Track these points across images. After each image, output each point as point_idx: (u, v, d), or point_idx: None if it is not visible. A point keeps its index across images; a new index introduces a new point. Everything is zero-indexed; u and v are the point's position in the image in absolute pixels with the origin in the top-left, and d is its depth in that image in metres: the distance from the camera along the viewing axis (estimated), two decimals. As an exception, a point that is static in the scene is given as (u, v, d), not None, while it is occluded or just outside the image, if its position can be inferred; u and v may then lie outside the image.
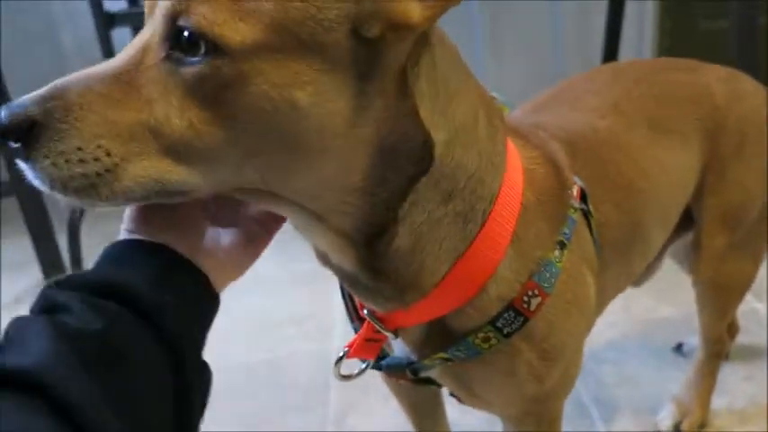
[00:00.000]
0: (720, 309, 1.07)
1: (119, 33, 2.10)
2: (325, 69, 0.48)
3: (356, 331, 0.73)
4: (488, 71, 2.80)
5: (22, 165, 0.49)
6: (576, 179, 0.71)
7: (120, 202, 0.49)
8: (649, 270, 1.03)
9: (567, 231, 0.67)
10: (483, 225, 0.60)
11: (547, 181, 0.67)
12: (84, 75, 0.49)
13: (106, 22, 1.98)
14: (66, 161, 0.47)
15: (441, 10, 0.50)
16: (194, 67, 0.47)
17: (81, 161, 0.47)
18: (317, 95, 0.48)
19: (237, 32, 0.46)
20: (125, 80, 0.49)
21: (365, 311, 0.66)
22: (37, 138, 0.47)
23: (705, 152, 0.89)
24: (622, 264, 0.80)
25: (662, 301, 1.49)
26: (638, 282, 1.05)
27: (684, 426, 1.12)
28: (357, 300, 0.69)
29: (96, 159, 0.47)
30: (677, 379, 1.22)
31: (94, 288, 0.50)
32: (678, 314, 1.46)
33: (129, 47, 0.51)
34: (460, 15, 2.76)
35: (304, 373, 1.37)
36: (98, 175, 0.48)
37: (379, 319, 0.65)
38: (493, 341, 0.64)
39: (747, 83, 0.95)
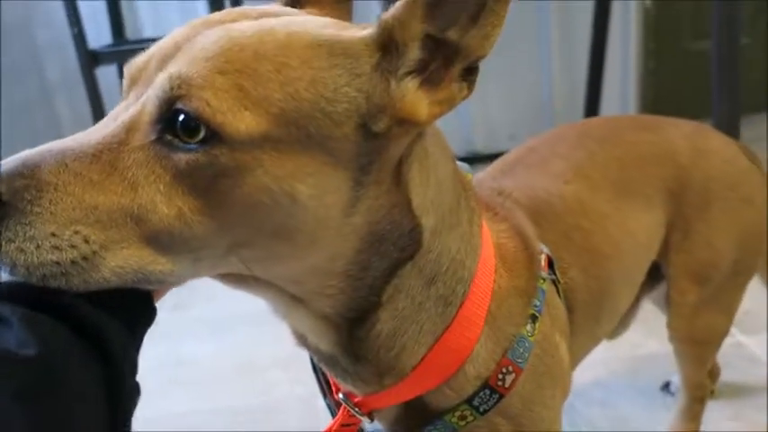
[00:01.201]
0: (697, 360, 1.08)
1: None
2: (328, 162, 0.48)
3: (329, 408, 0.74)
4: (473, 101, 2.81)
5: None
6: (542, 247, 0.71)
7: (90, 289, 0.45)
8: (624, 323, 1.04)
9: (537, 303, 0.68)
10: (461, 306, 0.61)
11: (516, 254, 0.68)
12: (57, 149, 0.45)
13: (90, 60, 1.99)
14: (37, 247, 0.43)
15: (448, 108, 0.51)
16: (189, 154, 0.44)
17: (54, 248, 0.43)
18: (317, 188, 0.47)
19: (242, 122, 0.44)
20: (106, 160, 0.45)
21: (340, 395, 0.66)
22: (1, 219, 0.43)
23: (669, 211, 0.90)
24: (592, 326, 0.82)
25: (649, 338, 1.50)
26: (614, 335, 1.06)
27: (672, 471, 1.12)
28: (332, 381, 0.69)
29: (72, 246, 0.44)
30: (666, 420, 1.22)
31: (33, 301, 0.45)
32: (665, 350, 1.43)
33: (109, 119, 0.48)
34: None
35: (290, 420, 1.37)
36: (73, 263, 0.44)
37: (355, 404, 0.65)
38: (469, 419, 0.64)
39: (714, 139, 0.96)
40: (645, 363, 1.44)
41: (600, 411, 1.33)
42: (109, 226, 0.45)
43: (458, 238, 0.59)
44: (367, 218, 0.52)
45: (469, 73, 0.51)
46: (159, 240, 0.45)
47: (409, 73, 0.50)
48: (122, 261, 0.45)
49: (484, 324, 0.63)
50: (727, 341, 1.47)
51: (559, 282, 0.74)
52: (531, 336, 0.66)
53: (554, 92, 2.85)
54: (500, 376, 0.64)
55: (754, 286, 1.23)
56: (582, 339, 0.80)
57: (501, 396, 0.64)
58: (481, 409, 0.64)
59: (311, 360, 0.75)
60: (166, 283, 0.48)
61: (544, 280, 0.70)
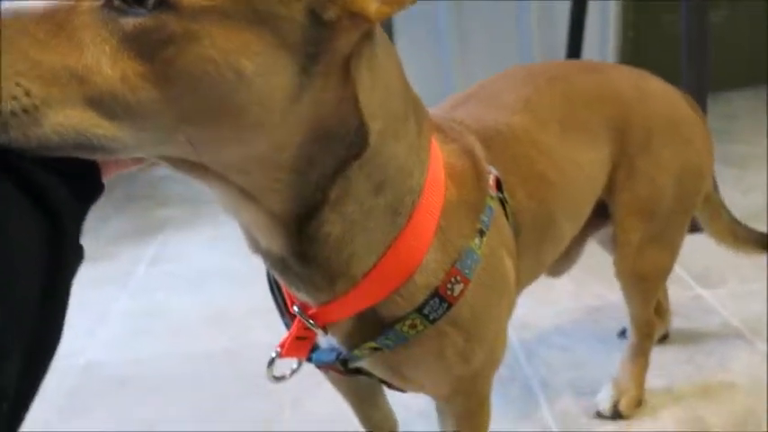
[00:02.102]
0: (644, 297, 1.12)
1: None
2: (275, 43, 0.48)
3: (287, 326, 0.75)
4: (454, 62, 2.85)
5: None
6: (491, 169, 0.75)
7: (32, 149, 0.45)
8: (568, 261, 1.09)
9: (485, 219, 0.71)
10: (410, 217, 0.63)
11: (465, 172, 0.71)
12: (11, 8, 0.45)
13: None
14: None
15: (397, 8, 0.52)
16: (137, 18, 0.45)
17: None
18: (263, 67, 0.48)
19: None
20: (55, 20, 0.45)
21: (295, 308, 0.68)
22: None
23: (614, 149, 0.94)
24: (536, 250, 0.85)
25: (610, 290, 1.54)
26: (557, 272, 1.11)
27: (622, 404, 1.17)
28: (287, 295, 0.71)
29: (13, 98, 0.43)
30: (621, 362, 1.27)
31: None
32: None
33: None
34: (428, 7, 2.79)
35: (263, 363, 1.40)
36: (13, 114, 0.43)
37: (310, 316, 0.67)
38: (419, 327, 0.67)
39: (654, 82, 1.01)
40: (605, 312, 1.49)
41: (560, 355, 1.37)
42: (52, 83, 0.44)
43: (406, 148, 0.62)
44: (313, 109, 0.53)
45: None
46: (103, 104, 0.46)
47: None
48: (64, 119, 0.45)
49: (433, 236, 0.66)
50: (686, 293, 1.54)
51: (507, 202, 0.77)
52: (479, 249, 0.69)
53: (533, 58, 2.88)
54: (449, 286, 0.67)
55: (715, 245, 1.28)
56: (527, 262, 0.83)
57: (450, 305, 0.67)
58: (431, 318, 0.67)
59: (268, 278, 0.78)
60: (111, 152, 0.48)
61: (492, 198, 0.73)
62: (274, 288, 0.77)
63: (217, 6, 0.46)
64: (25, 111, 0.44)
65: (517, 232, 0.80)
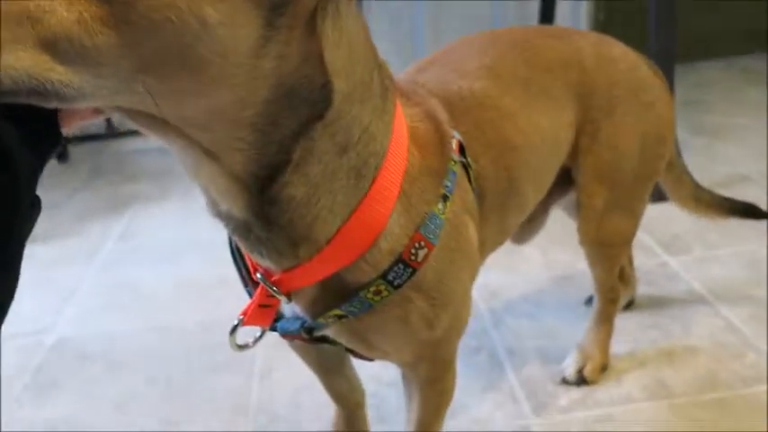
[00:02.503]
0: (607, 262, 1.13)
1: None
2: None
3: (251, 296, 0.73)
4: (426, 27, 2.83)
5: None
6: (454, 133, 0.74)
7: None
8: (533, 228, 1.10)
9: (448, 184, 0.70)
10: (374, 180, 0.63)
11: (428, 136, 0.71)
12: None
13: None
14: None
15: None
16: None
17: None
18: (227, 16, 0.46)
19: None
20: None
21: (258, 275, 0.67)
22: None
23: (577, 114, 0.95)
24: (500, 216, 0.85)
25: (577, 259, 1.56)
26: (523, 239, 1.12)
27: (587, 371, 1.19)
28: (250, 262, 0.70)
29: None
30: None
31: None
32: (593, 269, 1.53)
33: None
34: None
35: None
36: None
37: (273, 283, 0.66)
38: (384, 293, 0.67)
39: (616, 47, 1.01)
40: (573, 281, 1.51)
41: (528, 324, 1.39)
42: (4, 23, 0.42)
43: (370, 111, 0.61)
44: (277, 64, 0.52)
45: None
46: (57, 48, 0.43)
47: None
48: (15, 62, 0.43)
49: (397, 200, 0.65)
50: (653, 261, 1.56)
51: (470, 167, 0.77)
52: (443, 214, 0.69)
53: (506, 25, 2.88)
54: (413, 251, 0.66)
55: (684, 213, 1.30)
56: (491, 228, 0.84)
57: (414, 270, 0.67)
58: (395, 284, 0.66)
59: (230, 246, 0.77)
60: (65, 99, 0.45)
61: (455, 162, 0.72)
62: (237, 256, 0.76)
63: None
64: None
65: (481, 197, 0.80)
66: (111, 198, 2.29)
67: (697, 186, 1.27)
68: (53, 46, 0.43)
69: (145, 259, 1.83)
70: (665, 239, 1.65)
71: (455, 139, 0.74)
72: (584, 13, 2.89)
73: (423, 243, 0.67)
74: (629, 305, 1.39)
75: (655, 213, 1.71)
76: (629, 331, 1.33)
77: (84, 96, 0.46)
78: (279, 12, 0.49)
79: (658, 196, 1.75)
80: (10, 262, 0.45)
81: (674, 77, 1.77)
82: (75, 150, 2.74)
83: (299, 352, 0.96)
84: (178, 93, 0.49)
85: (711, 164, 2.05)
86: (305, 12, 0.52)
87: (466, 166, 0.76)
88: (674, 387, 1.17)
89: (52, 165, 2.51)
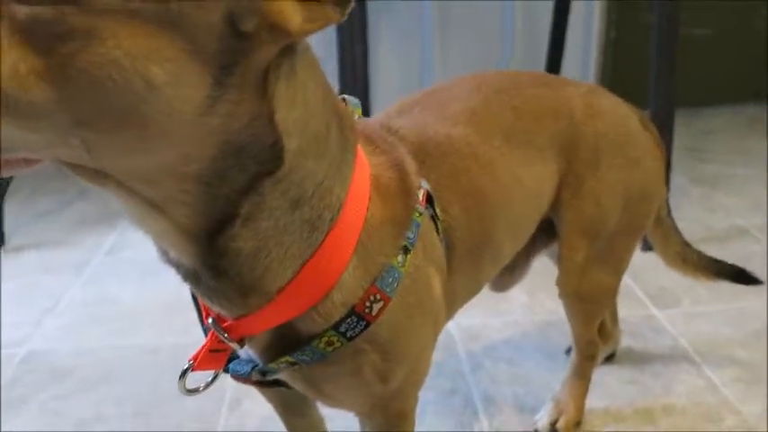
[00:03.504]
0: (586, 318, 1.11)
1: None
2: (188, 50, 0.45)
3: (205, 333, 0.72)
4: (435, 59, 2.83)
5: None
6: (423, 183, 0.73)
7: None
8: (513, 277, 1.08)
9: (410, 236, 0.68)
10: (328, 232, 0.61)
11: (392, 186, 0.69)
12: None
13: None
14: None
15: (322, 26, 0.50)
16: (32, 7, 0.40)
17: None
18: (174, 76, 0.44)
19: None
20: None
21: (209, 320, 0.65)
22: None
23: (562, 166, 0.93)
24: (473, 269, 0.83)
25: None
26: (502, 288, 1.10)
27: (560, 424, 1.16)
28: (203, 307, 0.69)
29: None
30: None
31: None
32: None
33: None
34: (409, 14, 2.78)
35: (208, 359, 1.39)
36: None
37: (224, 329, 0.65)
38: (336, 344, 0.65)
39: (606, 99, 0.99)
40: (556, 327, 1.48)
41: (506, 369, 1.36)
42: None
43: (325, 165, 0.59)
44: (226, 122, 0.50)
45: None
46: None
47: None
48: None
49: (353, 252, 0.64)
50: (640, 313, 1.54)
51: (438, 218, 0.75)
52: (402, 266, 0.67)
53: (514, 54, 2.88)
54: (367, 304, 0.65)
55: None
56: (463, 280, 0.82)
57: (368, 323, 0.65)
58: (348, 335, 0.65)
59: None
60: None
61: (420, 214, 0.70)
62: (195, 296, 0.74)
63: (125, 4, 0.42)
64: None
65: (451, 248, 0.78)
66: (104, 210, 2.28)
67: (685, 245, 1.24)
68: None
69: (130, 274, 1.82)
70: (653, 291, 1.63)
71: (422, 189, 0.72)
72: (595, 31, 2.89)
73: (378, 296, 0.65)
74: (610, 358, 1.37)
75: (644, 263, 1.69)
76: (606, 386, 1.30)
77: (14, 149, 0.44)
78: (228, 71, 0.48)
79: (648, 245, 1.73)
80: None
81: (673, 123, 1.76)
82: (76, 158, 2.75)
83: (260, 391, 0.94)
84: (118, 148, 0.47)
85: (709, 215, 2.02)
86: (256, 72, 0.50)
87: (434, 218, 0.74)
88: (648, 447, 1.15)
89: (51, 172, 2.51)
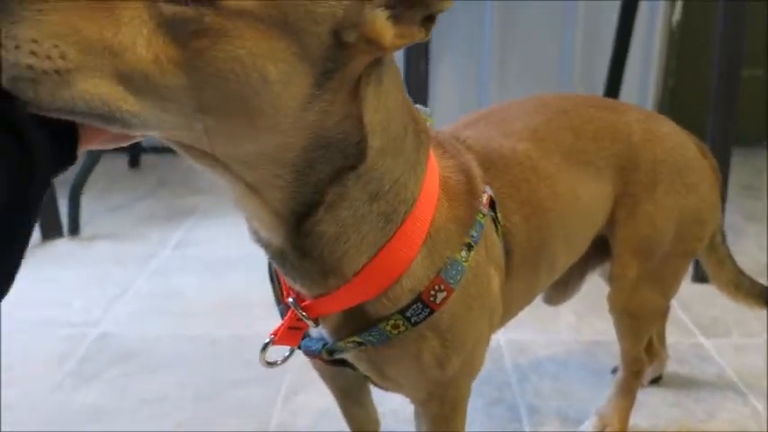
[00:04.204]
0: (634, 334, 1.14)
1: None
2: (299, 54, 0.52)
3: (281, 313, 0.80)
4: (493, 81, 2.89)
5: None
6: (486, 189, 0.79)
7: (56, 110, 0.47)
8: (567, 291, 1.12)
9: (474, 234, 0.75)
10: (401, 224, 0.68)
11: (459, 188, 0.76)
12: None
13: None
14: (16, 47, 0.44)
15: (408, 42, 0.58)
16: (177, 6, 0.48)
17: (32, 53, 0.45)
18: (285, 75, 0.52)
19: None
20: None
21: (290, 299, 0.72)
22: None
23: (618, 187, 0.97)
24: (528, 276, 0.88)
25: (611, 327, 1.56)
26: (555, 301, 1.14)
27: (603, 438, 1.19)
28: (284, 286, 0.75)
29: (49, 57, 0.45)
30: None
31: None
32: (625, 339, 1.53)
33: None
34: (470, 36, 2.84)
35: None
36: (45, 73, 0.45)
37: (303, 308, 0.72)
38: (401, 328, 0.71)
39: (666, 125, 1.03)
40: (603, 348, 1.51)
41: (551, 384, 1.40)
42: (87, 51, 0.46)
43: (402, 164, 0.67)
44: (320, 118, 0.58)
45: (429, 21, 0.59)
46: (132, 81, 0.48)
47: (381, 5, 0.57)
48: (93, 88, 0.47)
49: (422, 244, 0.70)
50: (687, 341, 1.55)
51: (499, 222, 0.81)
52: (465, 261, 0.73)
53: (572, 80, 2.91)
54: (432, 293, 0.71)
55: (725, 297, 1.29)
56: (518, 286, 0.87)
57: (432, 311, 0.71)
58: (413, 320, 0.71)
59: (268, 268, 0.83)
60: (129, 126, 0.50)
61: (484, 215, 0.77)
62: (273, 278, 0.82)
63: (254, 11, 0.49)
64: (57, 72, 0.46)
65: (509, 253, 0.84)
66: (173, 207, 2.40)
67: (739, 273, 1.26)
68: (128, 79, 0.48)
69: (195, 270, 1.91)
70: (704, 321, 1.64)
71: (486, 193, 0.79)
72: (653, 77, 2.91)
73: (442, 287, 0.72)
74: (657, 380, 1.39)
75: (695, 293, 1.71)
76: (651, 406, 1.32)
77: (147, 126, 0.51)
78: (327, 76, 0.56)
79: (700, 277, 1.75)
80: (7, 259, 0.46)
81: (729, 158, 1.77)
82: (146, 159, 2.89)
83: (323, 375, 1.00)
84: (231, 134, 0.55)
85: (761, 252, 2.02)
86: (351, 78, 0.58)
87: (495, 221, 0.80)
88: (689, 469, 1.17)
89: (124, 170, 2.67)
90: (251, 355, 1.46)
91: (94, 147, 0.55)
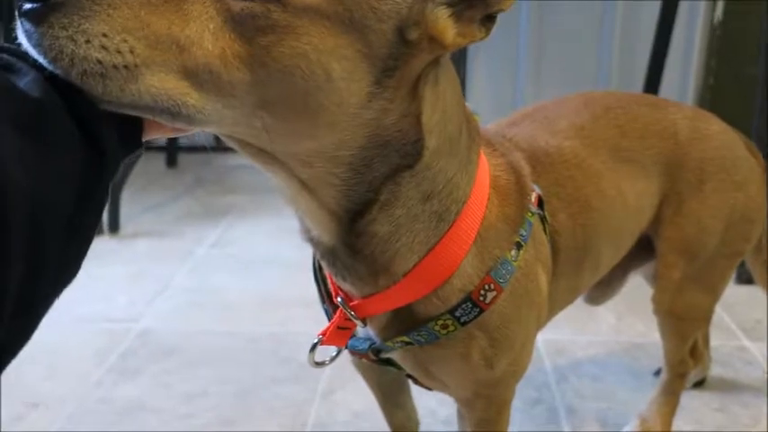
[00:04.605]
0: (679, 336, 1.12)
1: None
2: (363, 52, 0.53)
3: (327, 313, 0.80)
4: (528, 87, 2.87)
5: (24, 27, 0.45)
6: (534, 187, 0.78)
7: (124, 105, 0.48)
8: (609, 290, 1.10)
9: (524, 233, 0.74)
10: (453, 224, 0.68)
11: (509, 186, 0.75)
12: None
13: None
14: (87, 41, 0.45)
15: (469, 42, 0.59)
16: (245, 2, 0.48)
17: (102, 47, 0.45)
18: (347, 72, 0.53)
19: None
20: None
21: (339, 299, 0.72)
22: (60, 6, 0.45)
23: (664, 185, 0.96)
24: (573, 273, 0.87)
25: (653, 328, 1.54)
26: (597, 300, 1.13)
27: (645, 441, 1.17)
28: (332, 286, 0.75)
29: (118, 52, 0.46)
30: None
31: (47, 76, 0.46)
32: (666, 342, 1.50)
33: None
34: (506, 36, 2.83)
35: (303, 351, 1.46)
36: (114, 67, 0.46)
37: (351, 308, 0.72)
38: (450, 328, 0.71)
39: (714, 124, 1.01)
40: (644, 350, 1.49)
41: (590, 384, 1.38)
42: (155, 46, 0.47)
43: (456, 163, 0.67)
44: (378, 117, 0.58)
45: (489, 20, 0.59)
46: (198, 76, 0.49)
47: (443, 3, 0.57)
48: (159, 83, 0.48)
49: (473, 243, 0.70)
50: (732, 344, 1.52)
51: (547, 221, 0.80)
52: (515, 261, 0.73)
53: (610, 86, 2.87)
54: (482, 292, 0.71)
55: None
56: (563, 284, 0.86)
57: (481, 310, 0.71)
58: (462, 320, 0.71)
59: (313, 267, 0.83)
60: (192, 121, 0.51)
61: (532, 214, 0.76)
62: (318, 277, 0.82)
63: (320, 8, 0.50)
64: (126, 67, 0.46)
65: (555, 252, 0.83)
66: (210, 206, 2.43)
67: (785, 273, 1.24)
68: (194, 74, 0.49)
69: (232, 268, 1.93)
70: (748, 324, 1.61)
71: (535, 192, 0.78)
72: (693, 76, 2.86)
73: (492, 286, 0.71)
74: (700, 384, 1.37)
75: (739, 296, 1.68)
76: (694, 410, 1.30)
77: (209, 122, 0.52)
78: (388, 74, 0.56)
79: (743, 279, 1.71)
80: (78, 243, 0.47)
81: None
82: (183, 158, 2.93)
83: (364, 374, 1.00)
84: (290, 132, 0.56)
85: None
86: (410, 77, 0.59)
87: (543, 220, 0.79)
88: (734, 474, 1.14)
89: (161, 169, 2.71)
90: (288, 353, 1.48)
91: (158, 136, 0.56)
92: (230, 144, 0.59)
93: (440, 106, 0.63)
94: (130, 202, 2.38)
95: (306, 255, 0.81)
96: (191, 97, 0.49)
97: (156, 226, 2.24)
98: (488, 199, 0.72)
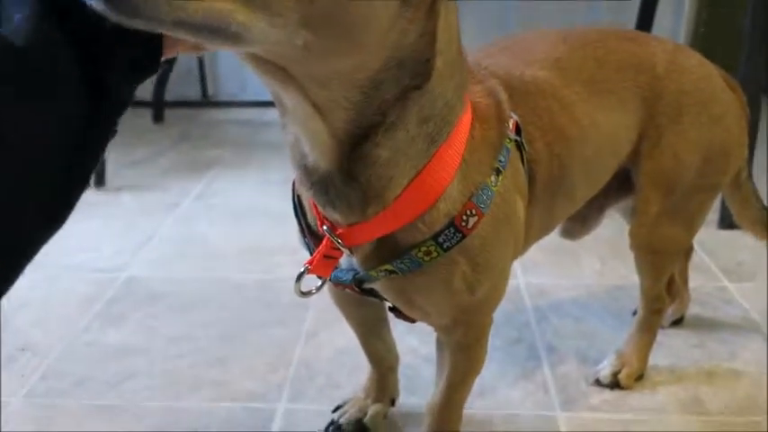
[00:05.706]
0: (655, 271, 1.14)
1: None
2: None
3: (307, 247, 0.81)
4: (516, 21, 2.85)
5: None
6: (512, 114, 0.79)
7: (169, 23, 0.45)
8: (586, 225, 1.11)
9: (502, 159, 0.75)
10: (441, 146, 0.69)
11: (489, 112, 0.76)
12: None
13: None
14: None
15: None
16: None
17: None
18: None
19: None
20: None
21: (325, 228, 0.73)
22: None
23: (642, 118, 0.96)
24: (548, 202, 0.88)
25: (634, 272, 1.56)
26: (573, 235, 1.14)
27: (622, 375, 1.19)
28: (318, 217, 0.75)
29: None
30: (629, 338, 1.30)
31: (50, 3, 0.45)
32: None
33: None
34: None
35: (287, 295, 1.48)
36: None
37: (337, 236, 0.72)
38: (434, 254, 0.72)
39: (692, 57, 1.01)
40: (625, 292, 1.50)
41: (571, 325, 1.40)
42: None
43: (454, 85, 0.68)
44: (399, 38, 0.59)
45: None
46: None
47: None
48: (213, 1, 0.46)
49: (458, 168, 0.71)
50: (712, 284, 1.55)
51: (525, 148, 0.81)
52: (494, 186, 0.74)
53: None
54: (464, 218, 0.72)
55: (753, 241, 1.29)
56: (539, 213, 0.87)
57: (463, 236, 0.72)
58: (445, 246, 0.72)
59: (293, 202, 0.83)
60: (240, 41, 0.49)
61: (510, 140, 0.77)
62: (298, 210, 0.82)
63: None
64: None
65: (531, 180, 0.83)
66: (194, 160, 2.42)
67: (763, 209, 1.25)
68: None
69: (216, 218, 1.94)
70: (729, 266, 1.63)
71: (512, 119, 0.78)
72: (684, 27, 2.84)
73: (474, 211, 0.72)
74: (678, 322, 1.39)
75: (722, 240, 1.70)
76: (672, 347, 1.32)
77: (253, 41, 0.50)
78: None
79: (728, 223, 1.73)
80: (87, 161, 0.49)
81: (760, 103, 1.74)
82: (170, 114, 2.90)
83: (345, 310, 1.02)
84: (326, 50, 0.55)
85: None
86: None
87: (520, 147, 0.80)
88: (709, 405, 1.17)
89: (148, 124, 2.69)
90: (274, 298, 1.49)
91: (173, 54, 0.55)
92: (249, 64, 0.58)
93: (449, 26, 0.64)
94: (116, 157, 2.36)
95: (288, 204, 0.81)
96: (240, 14, 0.48)
97: (142, 180, 2.23)
98: (471, 124, 0.73)
